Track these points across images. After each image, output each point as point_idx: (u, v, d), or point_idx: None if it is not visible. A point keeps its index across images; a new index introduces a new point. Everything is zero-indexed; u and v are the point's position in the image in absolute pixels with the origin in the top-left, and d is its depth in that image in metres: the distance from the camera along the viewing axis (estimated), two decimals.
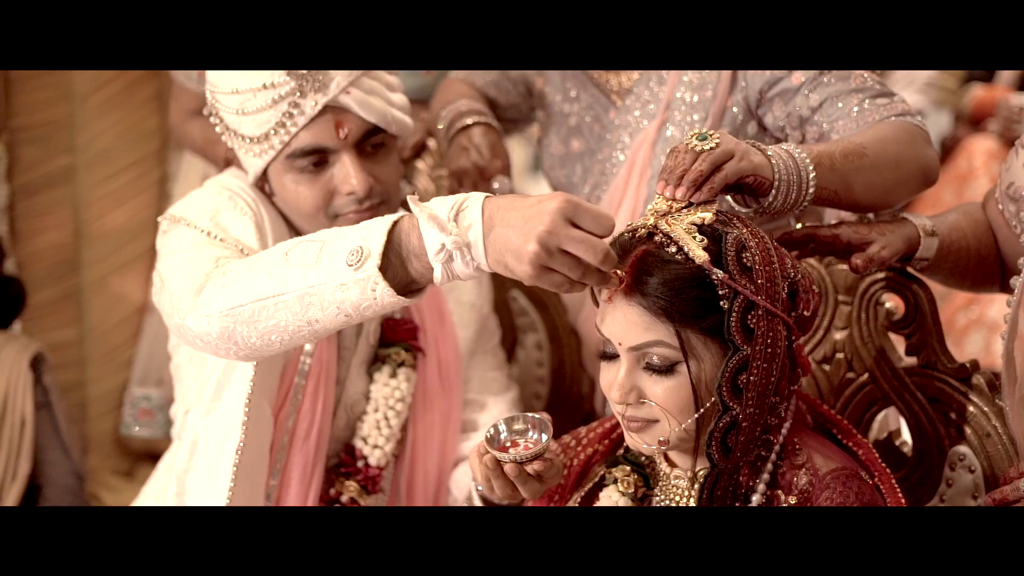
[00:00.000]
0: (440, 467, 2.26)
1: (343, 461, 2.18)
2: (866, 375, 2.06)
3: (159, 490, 2.18)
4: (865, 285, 2.04)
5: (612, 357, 1.70)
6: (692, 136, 1.70)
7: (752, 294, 1.62)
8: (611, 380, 1.70)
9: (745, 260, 1.63)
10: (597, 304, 1.72)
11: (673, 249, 1.63)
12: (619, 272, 1.62)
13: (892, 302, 2.03)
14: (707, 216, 1.65)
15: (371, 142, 2.05)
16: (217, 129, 2.08)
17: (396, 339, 2.20)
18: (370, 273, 1.63)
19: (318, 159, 2.03)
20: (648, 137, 2.18)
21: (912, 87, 5.09)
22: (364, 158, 2.05)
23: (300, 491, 2.09)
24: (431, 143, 2.60)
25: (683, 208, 1.67)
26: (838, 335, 2.09)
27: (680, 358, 1.63)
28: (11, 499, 3.01)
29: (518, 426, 1.81)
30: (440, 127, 2.39)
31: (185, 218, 2.03)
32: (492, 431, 1.79)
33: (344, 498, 2.15)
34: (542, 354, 2.59)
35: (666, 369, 1.65)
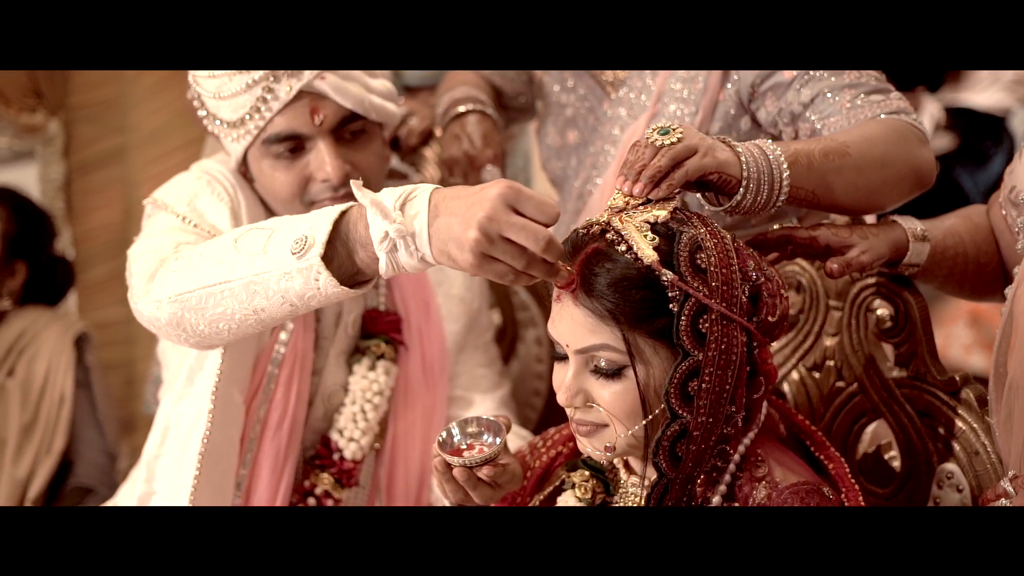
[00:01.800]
0: (422, 463, 2.21)
1: (319, 453, 2.14)
2: (855, 384, 1.95)
3: (135, 476, 2.17)
4: (856, 290, 1.94)
5: (563, 358, 1.64)
6: (653, 130, 1.63)
7: (704, 297, 1.54)
8: (560, 382, 1.64)
9: (699, 261, 1.55)
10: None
11: (623, 248, 1.55)
12: (569, 267, 1.56)
13: (885, 309, 1.92)
14: (661, 214, 1.58)
15: (349, 129, 2.01)
16: (200, 114, 2.06)
17: (377, 331, 2.16)
18: (312, 262, 1.59)
19: (294, 145, 1.99)
20: (639, 130, 2.09)
21: (997, 84, 4.90)
22: (342, 145, 2.01)
23: (272, 482, 2.05)
24: (439, 131, 2.55)
25: (640, 205, 1.60)
26: (828, 342, 2.00)
27: (628, 362, 1.56)
28: (44, 472, 3.07)
29: (472, 429, 1.76)
30: (438, 113, 2.34)
31: (166, 202, 2.02)
32: (444, 434, 1.75)
33: (318, 490, 2.11)
34: (542, 350, 2.54)
35: (613, 373, 1.58)
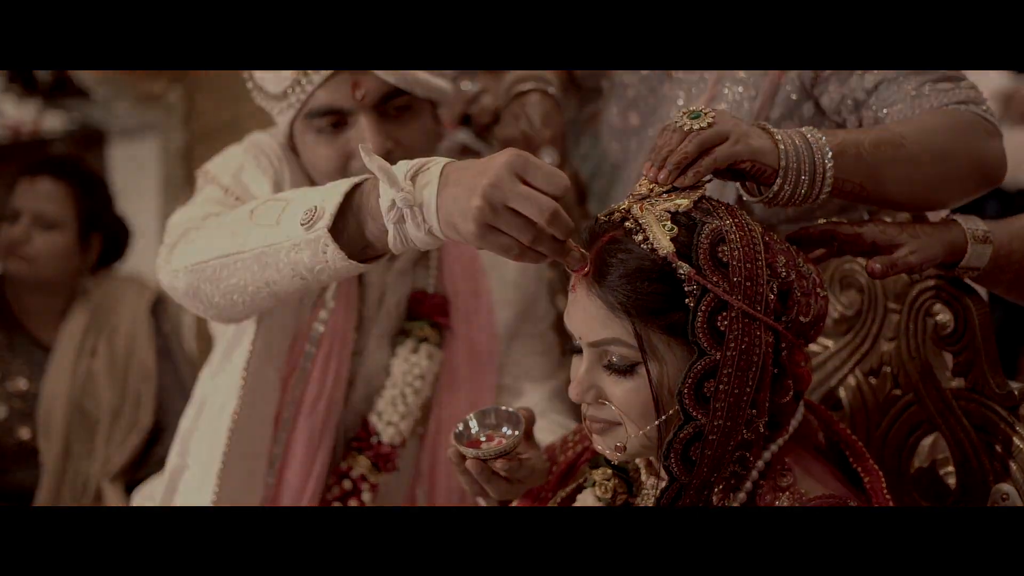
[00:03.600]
0: None
1: (358, 435, 2.09)
2: (911, 393, 1.82)
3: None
4: (915, 293, 1.80)
5: (579, 351, 1.56)
6: (683, 114, 1.54)
7: (724, 292, 1.44)
8: (573, 376, 1.56)
9: (720, 254, 1.45)
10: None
11: (640, 237, 1.46)
12: (583, 249, 1.48)
13: (945, 314, 1.78)
14: (684, 203, 1.48)
15: (394, 104, 1.95)
16: (248, 86, 2.04)
17: (422, 313, 2.10)
18: (320, 234, 1.56)
19: (336, 120, 1.95)
20: None
21: None
22: (386, 121, 1.95)
23: (306, 462, 2.02)
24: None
25: (664, 193, 1.51)
26: (886, 346, 1.86)
27: (641, 358, 1.47)
28: (129, 447, 3.07)
29: (490, 420, 1.70)
30: (502, 91, 2.27)
31: (214, 174, 2.01)
32: (461, 425, 1.69)
33: (354, 473, 2.06)
34: None
35: (626, 369, 1.49)
